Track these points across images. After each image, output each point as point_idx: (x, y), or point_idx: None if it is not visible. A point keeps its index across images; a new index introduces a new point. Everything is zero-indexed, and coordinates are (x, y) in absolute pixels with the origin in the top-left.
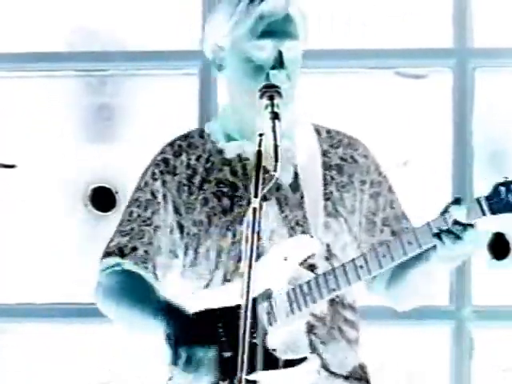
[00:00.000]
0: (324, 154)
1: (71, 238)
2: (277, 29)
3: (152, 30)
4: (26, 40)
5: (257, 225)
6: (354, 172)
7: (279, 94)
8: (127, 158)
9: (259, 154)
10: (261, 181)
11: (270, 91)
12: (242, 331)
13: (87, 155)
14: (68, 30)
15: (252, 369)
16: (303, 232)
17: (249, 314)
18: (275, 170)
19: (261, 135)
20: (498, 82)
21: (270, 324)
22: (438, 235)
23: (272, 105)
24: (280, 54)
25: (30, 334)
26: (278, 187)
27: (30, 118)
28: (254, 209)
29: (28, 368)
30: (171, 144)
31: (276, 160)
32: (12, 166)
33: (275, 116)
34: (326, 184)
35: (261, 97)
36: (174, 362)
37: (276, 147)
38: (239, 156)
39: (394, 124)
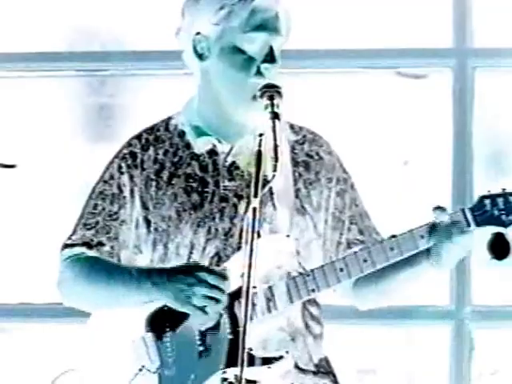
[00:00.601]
0: (291, 149)
1: None
2: (269, 24)
3: (152, 29)
4: (26, 40)
5: (257, 225)
6: (321, 169)
7: (279, 93)
8: None
9: (259, 153)
10: (260, 181)
11: (271, 91)
12: (241, 332)
13: (87, 155)
14: (68, 29)
15: (230, 365)
16: (271, 229)
17: (249, 313)
18: (275, 170)
19: (261, 135)
20: (498, 82)
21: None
22: (432, 226)
23: (272, 105)
24: (271, 48)
25: (31, 333)
26: (248, 183)
27: (31, 118)
28: (254, 208)
29: (29, 368)
30: (138, 137)
31: (276, 160)
32: (12, 166)
33: (275, 116)
34: (295, 180)
35: (261, 96)
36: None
37: (276, 147)
38: (210, 151)
39: (394, 124)
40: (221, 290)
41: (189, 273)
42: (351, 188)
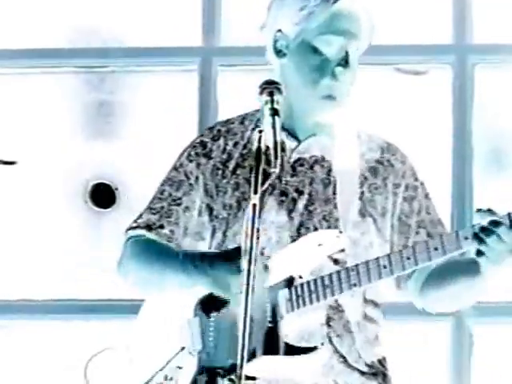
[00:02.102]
0: (362, 155)
1: (71, 235)
2: (347, 28)
3: (152, 26)
4: (26, 36)
5: (256, 221)
6: (389, 175)
7: (279, 90)
8: (127, 155)
9: (259, 150)
10: (260, 177)
11: (270, 87)
12: (241, 329)
13: (87, 151)
14: (68, 26)
15: (266, 352)
16: (328, 227)
17: (248, 313)
18: (275, 167)
19: (260, 132)
20: (498, 78)
21: (287, 311)
22: (475, 235)
23: (272, 101)
24: (347, 53)
25: (31, 330)
26: (311, 181)
27: (30, 115)
28: (254, 205)
29: (28, 364)
30: (211, 128)
31: (275, 157)
32: (12, 163)
33: (275, 112)
34: (360, 183)
35: (261, 93)
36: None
37: (276, 144)
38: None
39: (393, 120)
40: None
41: (230, 260)
42: (424, 197)
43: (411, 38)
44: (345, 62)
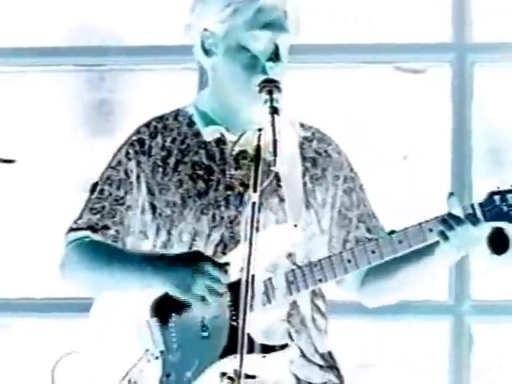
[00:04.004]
0: (300, 145)
1: None
2: (275, 22)
3: (151, 24)
4: (26, 35)
5: (256, 220)
6: (328, 166)
7: (278, 88)
8: None
9: (258, 148)
10: (260, 175)
11: (270, 86)
12: (240, 326)
13: (87, 150)
14: (67, 25)
15: (230, 352)
16: (276, 220)
17: (248, 310)
18: (274, 165)
19: (260, 130)
20: (497, 77)
21: (251, 309)
22: (444, 220)
23: (271, 99)
24: (276, 46)
25: (31, 328)
26: (276, 178)
27: (30, 113)
28: (254, 203)
29: (28, 363)
30: (147, 125)
31: (275, 154)
32: (11, 161)
33: (274, 111)
34: (303, 174)
35: (260, 91)
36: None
37: (275, 142)
38: (217, 140)
39: (393, 118)
40: (221, 283)
41: (191, 262)
42: (359, 188)
43: (410, 37)
44: (275, 56)
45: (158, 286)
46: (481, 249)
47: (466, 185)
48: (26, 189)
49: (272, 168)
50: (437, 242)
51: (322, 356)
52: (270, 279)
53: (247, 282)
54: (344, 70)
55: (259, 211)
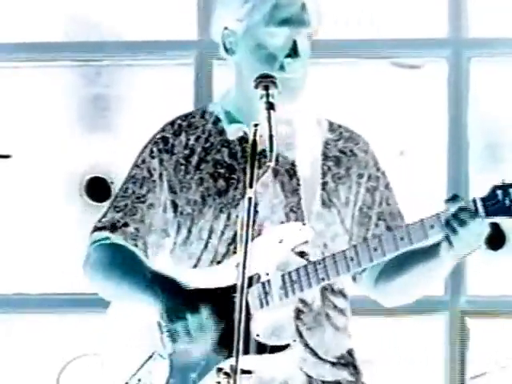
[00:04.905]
0: (324, 145)
1: (66, 229)
2: (292, 17)
3: (147, 20)
4: (22, 30)
5: (252, 216)
6: (352, 165)
7: (274, 84)
8: (123, 149)
9: (254, 144)
10: (256, 170)
11: (266, 81)
12: (236, 322)
13: (83, 145)
14: (64, 20)
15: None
16: (296, 219)
17: (243, 306)
18: (270, 160)
19: (256, 125)
20: (493, 72)
21: (256, 308)
22: (447, 223)
23: (267, 95)
24: (295, 42)
25: (26, 324)
26: (276, 173)
27: (26, 108)
28: (250, 198)
29: (24, 358)
30: (172, 123)
31: (271, 150)
32: (7, 156)
33: (270, 106)
34: (323, 174)
35: (256, 87)
36: (172, 334)
37: (271, 137)
38: (240, 139)
39: (389, 114)
40: (211, 325)
41: (192, 304)
42: (385, 187)
43: (407, 32)
44: (293, 52)
45: (161, 309)
46: None
47: (462, 180)
48: (22, 184)
49: (268, 163)
50: (441, 242)
51: (337, 355)
52: (282, 276)
53: (243, 279)
54: (340, 65)
55: (279, 210)
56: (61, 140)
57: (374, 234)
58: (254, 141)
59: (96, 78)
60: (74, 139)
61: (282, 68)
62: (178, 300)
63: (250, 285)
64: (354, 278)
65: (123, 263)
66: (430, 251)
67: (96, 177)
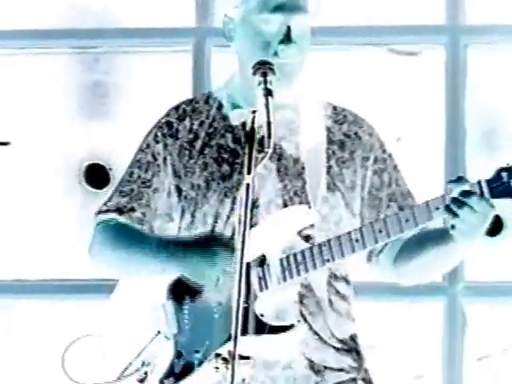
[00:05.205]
0: (328, 129)
1: (65, 215)
2: (286, 3)
3: (145, 7)
4: (20, 17)
5: (250, 200)
6: (357, 148)
7: (272, 70)
8: (121, 135)
9: (252, 130)
10: (254, 156)
11: (264, 68)
12: (235, 305)
13: (81, 132)
14: (63, 7)
15: (244, 332)
16: (300, 203)
17: (242, 292)
18: (268, 146)
19: (254, 112)
20: (491, 59)
21: (261, 290)
22: (447, 207)
23: (265, 81)
24: (289, 28)
25: (26, 310)
26: (280, 157)
27: (24, 95)
28: (248, 184)
29: (22, 344)
30: (176, 108)
31: (269, 136)
32: (6, 144)
33: (268, 93)
34: (327, 158)
35: (254, 73)
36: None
37: (269, 124)
38: (243, 124)
39: (387, 100)
40: (233, 264)
41: (205, 246)
42: (393, 168)
43: (405, 19)
44: (287, 38)
45: (172, 271)
46: None
47: (459, 166)
48: (21, 171)
49: (266, 149)
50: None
51: (341, 339)
52: (287, 257)
53: (241, 261)
54: (339, 52)
55: (283, 194)
56: (59, 127)
57: (386, 215)
58: (252, 127)
59: (94, 64)
60: (72, 126)
61: (276, 54)
62: (193, 248)
63: (256, 265)
64: (368, 259)
65: (131, 237)
66: (446, 234)
67: (95, 163)
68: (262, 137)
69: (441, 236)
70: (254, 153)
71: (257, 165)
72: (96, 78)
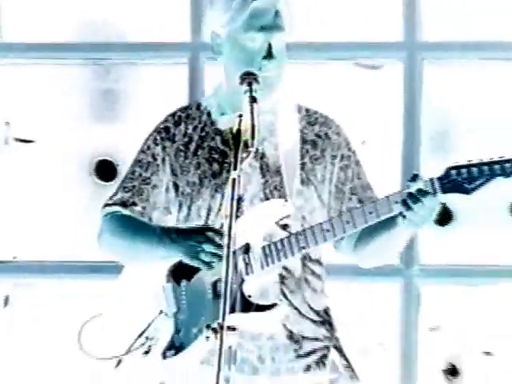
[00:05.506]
0: (302, 130)
1: (78, 204)
2: (267, 23)
3: (148, 24)
4: (41, 32)
5: (236, 194)
6: (327, 147)
7: (256, 80)
8: (127, 135)
9: (238, 132)
10: (240, 155)
11: (249, 78)
12: (223, 286)
13: (93, 133)
14: (77, 23)
15: (231, 310)
16: (280, 196)
17: (229, 280)
18: (252, 146)
19: (240, 116)
20: (443, 72)
21: (247, 273)
22: (404, 201)
23: (251, 90)
24: (270, 45)
25: (47, 287)
26: (262, 155)
27: (46, 101)
28: (234, 179)
29: (45, 317)
30: (172, 114)
31: (252, 138)
32: (30, 141)
33: (253, 100)
34: (301, 156)
35: (241, 83)
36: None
37: (253, 127)
38: (230, 128)
39: (354, 108)
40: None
41: (200, 232)
42: (355, 164)
43: (369, 37)
44: (268, 54)
45: (173, 255)
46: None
47: (414, 166)
48: (42, 164)
49: (249, 149)
50: (400, 215)
51: (316, 312)
52: (268, 245)
53: (228, 248)
54: (312, 65)
55: (265, 188)
56: (75, 128)
57: (348, 206)
58: (238, 130)
59: (105, 74)
60: (85, 127)
61: (259, 69)
62: (188, 234)
63: (242, 253)
64: (335, 247)
65: (135, 226)
66: (392, 223)
67: (104, 159)
68: (247, 139)
69: (389, 223)
70: (240, 152)
71: (242, 162)
72: (107, 86)
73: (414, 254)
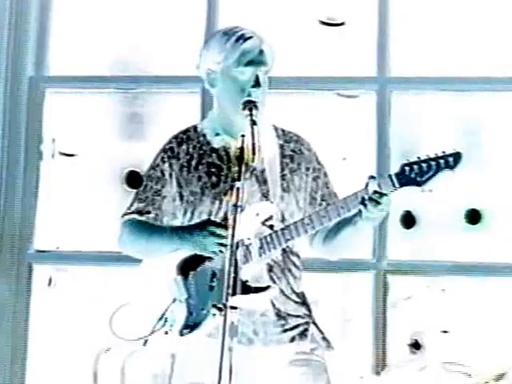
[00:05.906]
0: (281, 146)
1: (111, 207)
2: (254, 60)
3: (168, 60)
4: (81, 66)
5: (240, 200)
6: (301, 161)
7: (256, 107)
8: (151, 151)
9: (242, 150)
10: (243, 169)
11: (250, 105)
12: (226, 273)
13: (123, 148)
14: (110, 59)
15: (233, 293)
16: (267, 201)
17: (232, 269)
18: (253, 161)
19: (243, 136)
20: (409, 101)
21: (243, 263)
22: (362, 202)
23: (251, 115)
24: (257, 76)
25: (84, 274)
26: (253, 170)
27: (85, 122)
28: (238, 188)
29: (82, 302)
30: (175, 136)
31: (253, 154)
32: (72, 155)
33: (253, 123)
34: (282, 168)
35: (243, 109)
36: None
37: (254, 145)
38: (223, 146)
39: (335, 130)
40: (226, 238)
41: (203, 228)
42: (324, 175)
43: (347, 71)
44: (256, 83)
45: (183, 248)
46: (395, 224)
47: None
48: (82, 175)
49: (251, 164)
50: (359, 213)
51: (297, 295)
52: (261, 239)
53: (232, 245)
54: (299, 95)
55: (255, 195)
56: (108, 144)
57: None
58: (242, 147)
59: (133, 100)
60: (117, 144)
61: (249, 95)
62: (195, 229)
63: (237, 247)
64: (310, 243)
65: (150, 228)
66: (354, 218)
67: (132, 170)
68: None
69: (351, 220)
70: (243, 166)
71: (245, 174)
72: (134, 110)
73: (384, 251)
